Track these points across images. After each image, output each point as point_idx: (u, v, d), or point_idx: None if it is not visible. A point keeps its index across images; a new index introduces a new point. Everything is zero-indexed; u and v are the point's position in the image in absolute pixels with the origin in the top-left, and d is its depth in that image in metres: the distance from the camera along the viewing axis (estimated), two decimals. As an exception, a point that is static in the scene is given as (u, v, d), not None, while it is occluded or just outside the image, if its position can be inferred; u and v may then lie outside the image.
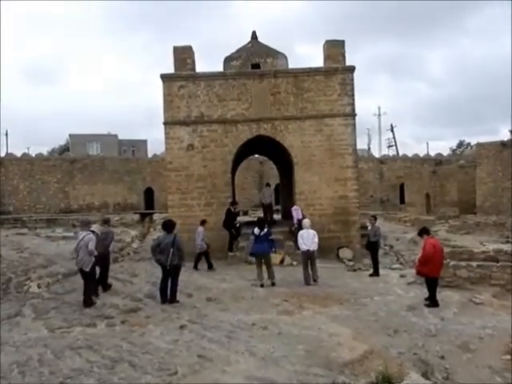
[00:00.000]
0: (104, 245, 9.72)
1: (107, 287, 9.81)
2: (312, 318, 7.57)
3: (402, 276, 11.03)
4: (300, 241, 10.91)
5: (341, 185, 14.71)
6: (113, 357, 5.76)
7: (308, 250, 10.68)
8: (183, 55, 15.00)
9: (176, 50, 15.00)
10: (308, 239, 10.76)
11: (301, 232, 11.09)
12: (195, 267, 12.75)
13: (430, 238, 8.75)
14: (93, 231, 9.16)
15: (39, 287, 10.14)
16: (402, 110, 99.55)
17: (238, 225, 14.65)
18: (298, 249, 11.45)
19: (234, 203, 15.05)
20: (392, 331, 6.76)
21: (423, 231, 8.90)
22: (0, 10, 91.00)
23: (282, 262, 13.14)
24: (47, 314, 7.97)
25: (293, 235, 13.74)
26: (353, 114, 14.84)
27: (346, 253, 14.17)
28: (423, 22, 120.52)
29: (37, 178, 30.43)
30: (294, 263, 13.14)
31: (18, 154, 32.53)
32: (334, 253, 14.17)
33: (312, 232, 10.95)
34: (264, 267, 10.49)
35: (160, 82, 14.92)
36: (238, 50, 15.91)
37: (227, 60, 15.64)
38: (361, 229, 14.59)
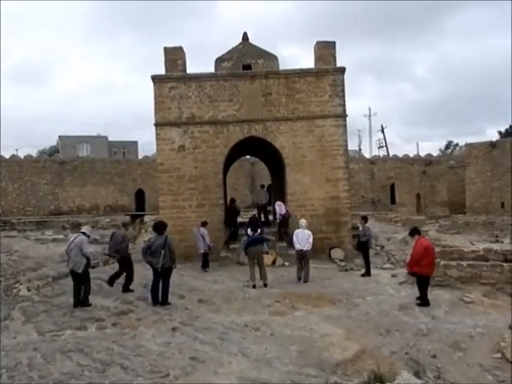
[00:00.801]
0: (122, 248, 10.14)
1: (129, 291, 9.82)
2: (304, 318, 7.58)
3: (393, 276, 11.09)
4: (295, 239, 11.11)
5: (332, 185, 14.75)
6: (104, 360, 5.70)
7: (301, 250, 10.88)
8: (174, 56, 14.94)
9: (167, 50, 14.94)
10: (303, 239, 10.96)
11: (296, 231, 11.28)
12: (204, 266, 12.83)
13: (420, 237, 8.80)
14: (84, 233, 9.08)
15: (29, 290, 10.04)
16: (388, 111, 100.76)
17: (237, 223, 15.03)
18: (293, 247, 11.53)
19: (234, 200, 15.35)
20: (384, 331, 6.79)
21: (414, 231, 8.95)
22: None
23: (273, 262, 13.14)
24: (37, 317, 7.88)
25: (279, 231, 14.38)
26: (344, 115, 14.90)
27: (337, 253, 14.22)
28: (404, 25, 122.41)
29: (26, 179, 30.11)
30: (286, 264, 13.16)
31: (7, 155, 32.17)
32: (326, 253, 14.21)
33: (307, 232, 11.13)
34: (256, 268, 10.48)
35: (148, 83, 14.86)
36: (230, 51, 15.89)
37: (218, 61, 15.61)
38: (352, 229, 14.65)
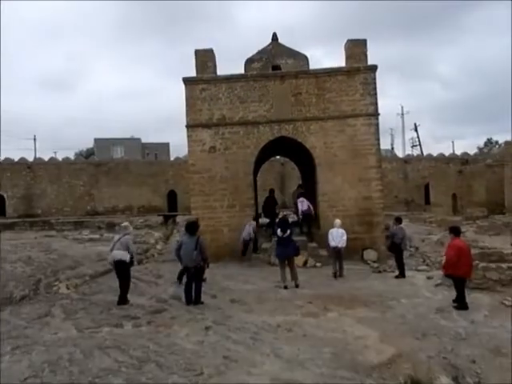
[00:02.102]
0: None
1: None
2: (337, 320, 7.49)
3: (429, 278, 10.81)
4: (330, 237, 11.81)
5: (364, 185, 14.54)
6: (140, 357, 5.83)
7: (336, 247, 11.55)
8: (204, 58, 15.12)
9: (197, 53, 15.14)
10: (337, 237, 11.69)
11: (331, 230, 11.96)
12: (244, 254, 13.66)
13: (456, 238, 8.41)
14: (128, 233, 9.33)
15: (68, 288, 10.39)
16: (416, 109, 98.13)
17: (277, 211, 15.91)
18: (328, 246, 12.13)
19: (273, 191, 15.62)
20: (420, 334, 6.62)
21: (452, 230, 8.61)
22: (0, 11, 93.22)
23: (305, 263, 13.07)
24: (76, 314, 8.14)
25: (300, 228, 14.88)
26: (376, 114, 14.66)
27: (370, 254, 13.99)
28: (425, 22, 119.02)
29: (64, 181, 31.19)
30: (318, 265, 13.07)
31: (46, 158, 33.44)
32: (359, 254, 14.01)
33: (341, 231, 11.83)
34: (287, 269, 10.46)
35: (174, 87, 15.20)
36: (259, 52, 15.93)
37: (248, 62, 15.69)
38: (386, 230, 14.39)
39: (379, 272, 12.28)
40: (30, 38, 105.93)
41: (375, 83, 14.65)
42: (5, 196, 30.36)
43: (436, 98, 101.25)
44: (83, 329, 7.20)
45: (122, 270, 8.78)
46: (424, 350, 5.99)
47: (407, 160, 34.41)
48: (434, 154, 34.89)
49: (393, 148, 55.97)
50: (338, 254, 11.62)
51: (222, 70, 15.40)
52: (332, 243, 11.67)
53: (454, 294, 8.35)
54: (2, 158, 31.71)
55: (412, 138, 54.13)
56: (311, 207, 14.73)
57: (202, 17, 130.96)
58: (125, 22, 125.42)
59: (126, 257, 8.72)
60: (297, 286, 10.22)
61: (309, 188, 16.73)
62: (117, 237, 9.21)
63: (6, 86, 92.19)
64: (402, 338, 6.52)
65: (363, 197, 14.52)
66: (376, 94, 14.61)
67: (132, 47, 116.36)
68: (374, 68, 14.64)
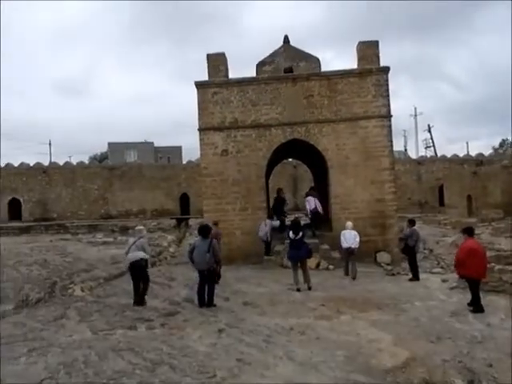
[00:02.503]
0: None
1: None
2: (350, 323, 7.45)
3: (443, 281, 10.68)
4: (342, 239, 12.01)
5: (377, 187, 14.44)
6: (153, 359, 5.87)
7: (349, 247, 11.77)
8: (216, 62, 15.21)
9: (210, 57, 15.23)
10: (350, 238, 11.89)
11: (343, 232, 12.14)
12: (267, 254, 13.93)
13: (469, 239, 8.21)
14: (142, 236, 9.49)
15: (82, 290, 10.52)
16: (427, 111, 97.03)
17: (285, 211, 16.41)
18: (340, 247, 12.35)
19: (281, 190, 15.80)
20: (435, 338, 6.53)
21: (465, 231, 8.45)
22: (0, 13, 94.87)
23: (317, 265, 13.02)
24: (90, 316, 8.23)
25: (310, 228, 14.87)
26: (388, 116, 14.57)
27: (383, 257, 13.87)
28: (436, 23, 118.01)
29: (78, 185, 31.61)
30: (331, 267, 13.01)
31: (61, 162, 33.94)
32: (372, 257, 13.91)
33: (354, 232, 12.01)
34: (300, 271, 10.44)
35: (186, 90, 15.25)
36: (271, 55, 15.96)
37: (260, 65, 15.72)
38: (400, 232, 14.29)
39: (393, 275, 12.16)
40: (41, 43, 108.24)
41: (387, 85, 14.57)
42: (21, 200, 30.89)
43: (447, 99, 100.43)
44: (98, 331, 7.28)
45: (140, 270, 8.88)
46: (439, 353, 5.91)
47: (421, 161, 34.07)
48: (448, 156, 34.48)
49: (406, 150, 55.49)
50: (350, 256, 11.80)
51: (231, 73, 15.47)
52: (344, 244, 11.86)
53: (469, 296, 8.24)
54: (18, 162, 32.24)
55: (426, 140, 53.55)
56: (319, 206, 14.80)
57: (210, 20, 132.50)
58: (133, 27, 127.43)
59: (142, 259, 8.84)
60: (309, 288, 10.19)
61: (321, 190, 16.67)
62: (131, 240, 9.35)
63: (20, 92, 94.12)
64: (417, 341, 6.45)
65: (376, 199, 14.43)
66: (388, 95, 14.54)
67: (141, 51, 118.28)
68: (386, 69, 14.57)
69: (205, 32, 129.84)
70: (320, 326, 7.27)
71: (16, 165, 31.93)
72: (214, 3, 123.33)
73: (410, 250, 11.44)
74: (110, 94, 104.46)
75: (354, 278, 11.45)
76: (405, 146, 56.82)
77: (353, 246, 11.73)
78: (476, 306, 7.94)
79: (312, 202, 14.90)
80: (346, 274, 11.80)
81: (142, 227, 10.16)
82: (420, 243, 12.12)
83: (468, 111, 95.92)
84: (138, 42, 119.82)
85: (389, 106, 14.54)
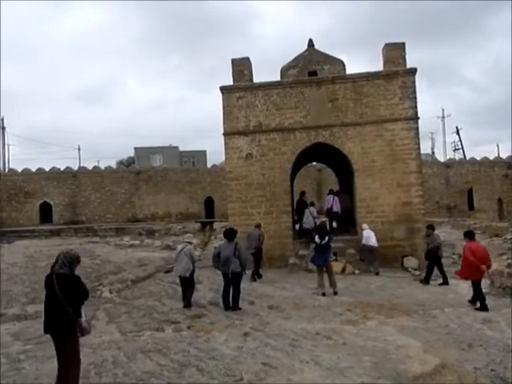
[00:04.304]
0: (257, 244, 12.72)
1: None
2: (378, 328, 7.34)
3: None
4: (365, 237, 13.05)
5: (404, 191, 14.21)
6: (181, 361, 5.95)
7: (373, 246, 12.91)
8: (241, 67, 15.33)
9: (234, 62, 15.37)
10: (373, 236, 13.02)
11: (366, 231, 13.20)
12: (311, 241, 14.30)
13: (470, 242, 8.78)
14: (190, 242, 9.93)
15: (111, 292, 10.74)
16: (448, 113, 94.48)
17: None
18: (364, 246, 13.20)
19: (304, 193, 15.88)
20: (466, 345, 6.37)
21: (466, 234, 9.13)
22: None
23: (343, 270, 12.90)
24: (119, 318, 8.41)
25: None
26: (415, 118, 14.34)
27: (411, 262, 13.60)
28: (454, 25, 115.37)
29: (106, 189, 32.28)
30: (357, 272, 12.87)
31: (90, 167, 34.80)
32: (399, 262, 13.68)
33: (372, 232, 13.20)
34: (325, 275, 10.36)
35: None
36: (295, 59, 15.97)
37: (284, 69, 15.76)
38: (427, 237, 14.01)
39: (421, 280, 11.91)
40: (63, 56, 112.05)
41: (414, 86, 14.35)
42: (52, 204, 31.79)
43: (466, 102, 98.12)
44: (126, 332, 7.43)
45: (187, 280, 9.25)
46: (470, 361, 5.76)
47: (449, 164, 33.25)
48: (478, 158, 33.54)
49: (433, 152, 54.31)
50: (373, 253, 12.93)
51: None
52: (369, 242, 12.88)
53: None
54: (50, 167, 33.23)
55: (454, 142, 52.23)
56: (336, 205, 14.85)
57: (221, 30, 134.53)
58: (147, 38, 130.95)
59: (188, 272, 9.18)
60: (335, 293, 10.10)
61: (347, 194, 16.52)
62: (180, 246, 9.67)
63: (48, 101, 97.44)
64: (447, 348, 6.30)
65: (403, 202, 14.20)
66: (415, 97, 14.32)
67: (156, 61, 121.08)
68: (413, 71, 14.36)
69: (216, 41, 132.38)
70: (346, 331, 7.20)
71: (47, 169, 32.93)
72: (224, 13, 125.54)
73: (433, 255, 11.31)
74: (129, 101, 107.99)
75: (377, 274, 12.59)
76: (432, 149, 55.67)
77: (375, 245, 12.88)
78: (481, 306, 8.39)
79: (330, 201, 15.02)
80: (374, 271, 12.76)
81: (190, 235, 11.33)
82: (441, 247, 11.90)
83: (488, 113, 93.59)
84: (152, 52, 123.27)
85: (416, 108, 14.32)
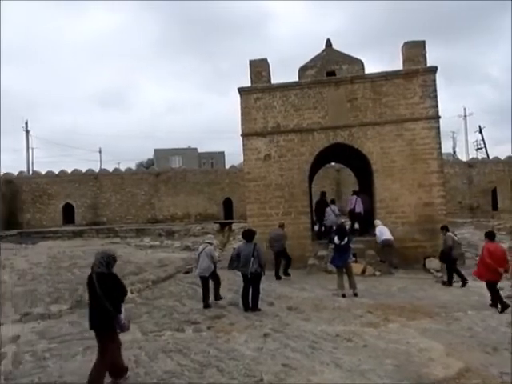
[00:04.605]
0: (280, 244, 12.81)
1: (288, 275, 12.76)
2: (399, 331, 7.23)
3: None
4: (378, 233, 13.27)
5: (425, 191, 14.00)
6: (201, 361, 5.99)
7: (388, 239, 13.12)
8: (259, 68, 15.36)
9: (252, 63, 15.40)
10: (387, 231, 13.25)
11: (378, 227, 13.42)
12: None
13: (489, 242, 8.81)
14: (210, 243, 10.11)
15: (132, 292, 10.88)
16: (470, 113, 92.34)
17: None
18: (380, 242, 13.32)
19: (324, 194, 15.83)
20: (491, 348, 6.22)
21: (486, 235, 9.16)
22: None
23: (363, 271, 12.75)
24: (140, 317, 8.51)
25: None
26: (436, 117, 14.12)
27: (433, 263, 13.35)
28: (466, 25, 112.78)
29: (127, 190, 32.75)
30: (377, 273, 12.71)
31: (110, 169, 35.39)
32: (420, 263, 13.47)
33: (386, 227, 13.43)
34: (345, 277, 10.28)
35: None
36: (313, 59, 15.91)
37: (302, 69, 15.71)
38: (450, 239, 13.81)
39: (443, 282, 11.69)
40: (83, 60, 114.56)
41: (435, 85, 14.14)
42: (74, 205, 32.44)
43: (489, 101, 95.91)
44: (147, 332, 7.52)
45: (207, 280, 9.46)
46: (495, 365, 5.62)
47: (472, 164, 32.55)
48: (502, 157, 32.75)
49: (455, 152, 53.24)
50: (389, 248, 13.07)
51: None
52: (383, 237, 13.05)
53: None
54: (72, 169, 33.88)
55: (476, 141, 51.08)
56: (359, 206, 14.77)
57: (235, 32, 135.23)
58: (163, 41, 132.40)
59: (208, 271, 9.39)
60: (355, 294, 10.00)
61: (366, 195, 16.36)
62: (201, 247, 9.84)
63: (69, 105, 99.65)
64: (471, 351, 6.17)
65: (424, 203, 13.99)
66: (436, 96, 14.10)
67: (171, 63, 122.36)
68: (433, 69, 14.14)
69: (231, 43, 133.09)
70: (367, 333, 7.12)
71: (69, 171, 33.61)
72: (238, 15, 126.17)
73: (447, 257, 11.25)
74: (147, 104, 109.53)
75: (395, 268, 12.94)
76: (454, 148, 54.56)
77: (391, 238, 13.07)
78: (502, 306, 8.34)
79: (353, 202, 14.97)
80: (391, 266, 13.00)
81: (211, 236, 11.43)
82: (455, 249, 11.73)
83: (508, 112, 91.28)
84: (168, 54, 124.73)
85: (437, 106, 14.10)
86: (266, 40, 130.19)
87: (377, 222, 13.72)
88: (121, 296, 5.15)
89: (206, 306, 9.21)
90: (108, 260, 5.20)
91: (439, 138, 14.16)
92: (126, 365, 5.48)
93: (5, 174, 34.42)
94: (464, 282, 10.86)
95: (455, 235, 14.84)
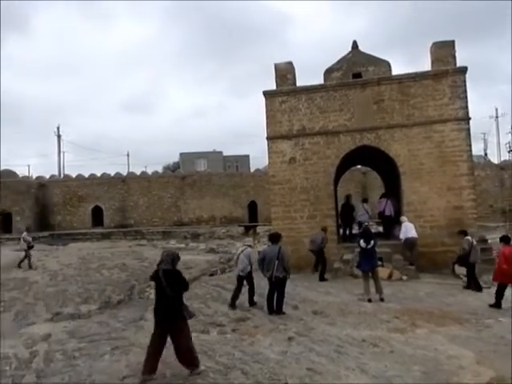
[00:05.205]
0: (321, 246, 13.20)
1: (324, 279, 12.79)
2: (427, 337, 7.07)
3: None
4: (403, 230, 12.99)
5: (455, 194, 13.65)
6: (226, 363, 6.02)
7: (413, 237, 12.84)
8: (284, 71, 15.37)
9: (277, 66, 15.42)
10: (412, 229, 12.96)
11: (404, 223, 13.13)
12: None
13: (505, 246, 9.02)
14: (249, 245, 10.46)
15: (158, 294, 11.04)
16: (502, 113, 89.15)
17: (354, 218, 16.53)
18: (405, 240, 13.00)
19: (350, 196, 15.74)
20: (524, 357, 6.00)
21: (502, 239, 9.38)
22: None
23: (390, 276, 12.53)
24: (166, 319, 8.61)
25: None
26: (466, 118, 13.76)
27: (462, 268, 12.97)
28: (492, 25, 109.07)
29: (153, 193, 33.32)
30: (404, 278, 12.47)
31: (138, 172, 36.11)
32: (449, 268, 13.09)
33: (411, 224, 13.10)
34: (371, 281, 10.13)
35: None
36: (339, 61, 15.80)
37: (327, 72, 15.61)
38: (482, 242, 13.46)
39: (464, 287, 11.44)
40: (110, 69, 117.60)
41: (465, 86, 13.79)
42: (103, 208, 33.23)
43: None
44: (173, 333, 7.60)
45: (242, 279, 9.78)
46: (529, 375, 5.42)
47: (504, 166, 31.53)
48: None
49: (486, 154, 51.69)
50: (413, 246, 12.82)
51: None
52: (408, 235, 12.77)
53: None
54: (101, 173, 34.77)
55: (508, 143, 49.42)
56: (389, 209, 14.56)
57: (256, 37, 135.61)
58: (185, 48, 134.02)
59: (246, 270, 9.69)
60: (381, 299, 9.84)
61: (394, 198, 16.09)
62: (240, 249, 10.19)
63: (98, 111, 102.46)
64: (502, 360, 5.96)
65: (453, 206, 13.64)
66: (466, 97, 13.75)
67: (195, 69, 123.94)
68: (463, 70, 13.81)
69: (251, 48, 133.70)
70: (394, 338, 7.00)
71: (98, 175, 34.48)
72: (258, 21, 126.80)
73: (465, 261, 11.25)
74: (171, 109, 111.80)
75: (412, 265, 12.76)
76: (485, 150, 52.98)
77: (416, 236, 12.78)
78: (495, 303, 8.93)
79: (382, 204, 14.75)
80: (411, 264, 12.78)
81: (250, 239, 12.30)
82: (475, 253, 11.49)
83: None
84: (190, 60, 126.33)
85: (467, 108, 13.75)
86: (287, 44, 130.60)
87: (403, 218, 13.47)
88: (183, 289, 5.70)
89: (232, 306, 9.35)
90: (173, 258, 5.79)
91: (469, 139, 13.80)
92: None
93: (37, 177, 35.65)
94: (478, 288, 10.90)
95: (486, 240, 14.49)
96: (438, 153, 13.84)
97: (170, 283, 5.53)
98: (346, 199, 16.55)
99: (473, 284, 11.15)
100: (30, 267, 15.11)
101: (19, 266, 15.26)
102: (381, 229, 16.21)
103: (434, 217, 13.75)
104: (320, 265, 13.19)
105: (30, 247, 15.74)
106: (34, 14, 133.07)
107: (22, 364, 6.37)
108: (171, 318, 5.58)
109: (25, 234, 16.28)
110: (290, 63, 15.47)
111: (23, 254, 15.81)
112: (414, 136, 14.06)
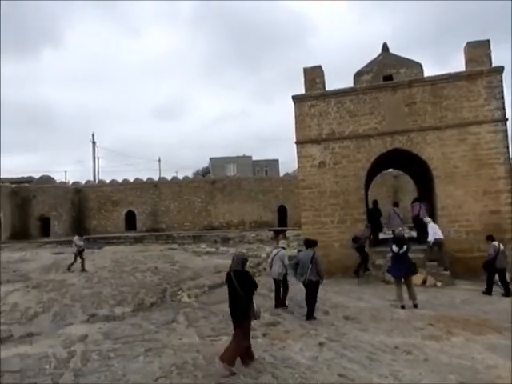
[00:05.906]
0: (362, 243, 13.44)
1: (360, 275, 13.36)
2: (464, 345, 6.87)
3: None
4: (431, 231, 12.79)
5: (491, 198, 13.21)
6: (257, 367, 6.04)
7: (441, 239, 12.69)
8: (313, 75, 15.34)
9: (306, 71, 15.41)
10: (438, 230, 12.80)
11: (430, 225, 12.96)
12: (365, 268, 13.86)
13: None
14: (283, 247, 10.61)
15: (189, 297, 11.23)
16: None
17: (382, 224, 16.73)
18: (434, 241, 12.77)
19: (376, 202, 15.49)
20: None
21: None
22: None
23: (424, 282, 12.23)
24: (197, 322, 8.75)
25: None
26: (503, 119, 13.31)
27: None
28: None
29: (184, 198, 33.81)
30: (439, 284, 12.14)
31: (169, 177, 36.75)
32: (486, 275, 12.65)
33: (436, 225, 13.02)
34: (404, 287, 9.92)
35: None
36: (369, 64, 15.63)
37: (357, 75, 15.47)
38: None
39: (483, 292, 11.12)
40: (141, 77, 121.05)
41: (501, 86, 13.35)
42: (135, 212, 34.00)
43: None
44: (204, 336, 7.72)
45: (280, 282, 10.00)
46: None
47: (544, 168, 30.21)
48: None
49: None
50: (440, 247, 12.63)
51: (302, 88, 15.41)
52: (436, 236, 12.60)
53: None
54: (133, 178, 35.60)
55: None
56: (423, 213, 14.23)
57: (278, 44, 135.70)
58: (210, 56, 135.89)
59: (281, 275, 9.92)
60: (415, 306, 9.62)
61: (427, 202, 15.72)
62: (275, 251, 10.44)
63: (130, 118, 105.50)
64: (545, 371, 5.72)
65: (490, 211, 13.19)
66: (503, 97, 13.31)
67: (220, 76, 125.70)
68: (499, 70, 13.38)
69: (276, 52, 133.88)
70: (428, 346, 6.83)
71: (131, 180, 35.33)
72: (280, 25, 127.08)
73: (489, 266, 11.07)
74: (199, 115, 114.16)
75: (445, 270, 12.50)
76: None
77: (442, 237, 12.62)
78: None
79: (416, 208, 14.46)
80: (442, 265, 12.64)
81: (284, 241, 12.87)
82: (502, 258, 11.27)
83: None
84: (216, 67, 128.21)
85: (503, 109, 13.30)
86: (311, 48, 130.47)
87: (427, 219, 13.32)
88: (252, 289, 6.11)
89: (278, 305, 9.77)
90: (243, 260, 6.29)
91: (507, 141, 13.33)
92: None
93: (74, 183, 36.88)
94: (507, 293, 10.75)
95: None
96: (472, 155, 13.45)
97: (240, 283, 5.97)
98: (373, 204, 16.31)
99: (504, 290, 10.97)
100: (83, 270, 15.60)
101: (69, 269, 15.77)
102: (413, 233, 15.82)
103: (470, 221, 13.34)
104: (361, 261, 13.44)
105: (80, 251, 16.24)
106: (68, 28, 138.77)
107: (61, 363, 6.61)
108: (240, 316, 6.03)
109: (76, 238, 16.79)
110: (319, 67, 15.43)
111: (73, 257, 16.29)
112: (447, 138, 13.72)
